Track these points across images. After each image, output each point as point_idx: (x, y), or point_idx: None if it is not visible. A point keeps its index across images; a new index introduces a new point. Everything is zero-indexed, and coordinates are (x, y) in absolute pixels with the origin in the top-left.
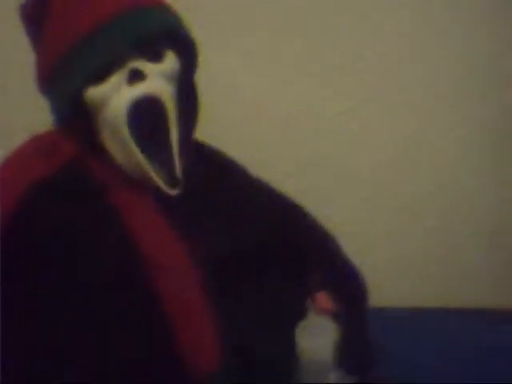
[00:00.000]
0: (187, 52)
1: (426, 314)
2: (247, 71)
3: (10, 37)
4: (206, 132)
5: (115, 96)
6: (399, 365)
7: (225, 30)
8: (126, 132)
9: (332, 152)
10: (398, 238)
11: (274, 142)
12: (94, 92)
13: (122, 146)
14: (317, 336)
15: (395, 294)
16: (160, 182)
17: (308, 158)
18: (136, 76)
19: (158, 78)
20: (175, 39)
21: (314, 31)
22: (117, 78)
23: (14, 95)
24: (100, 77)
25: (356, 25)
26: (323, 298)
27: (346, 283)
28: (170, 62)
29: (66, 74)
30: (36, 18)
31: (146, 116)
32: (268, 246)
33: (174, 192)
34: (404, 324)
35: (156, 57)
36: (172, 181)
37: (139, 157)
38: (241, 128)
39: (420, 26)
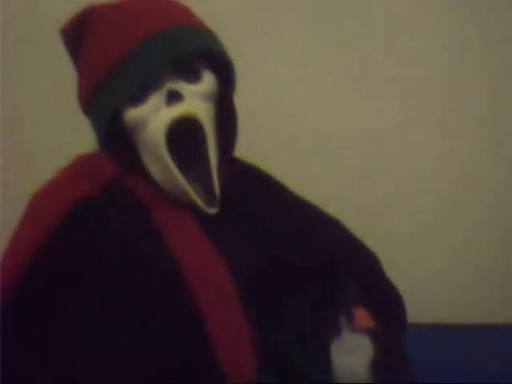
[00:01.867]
0: (225, 71)
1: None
2: (298, 84)
3: (56, 58)
4: (255, 144)
5: (154, 117)
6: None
7: (276, 43)
8: (164, 152)
9: (387, 164)
10: (457, 250)
11: (327, 154)
12: (133, 113)
13: (161, 165)
14: (352, 354)
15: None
16: (199, 201)
17: (361, 170)
18: (174, 97)
19: (195, 99)
20: (212, 59)
21: (366, 42)
22: (155, 100)
23: (60, 116)
24: (139, 98)
25: (408, 36)
26: (362, 316)
27: (385, 303)
28: (208, 82)
29: (105, 96)
30: (75, 42)
31: (184, 136)
32: (306, 262)
33: (212, 211)
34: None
35: (193, 77)
36: (210, 200)
37: (178, 176)
38: (292, 141)
39: (475, 39)
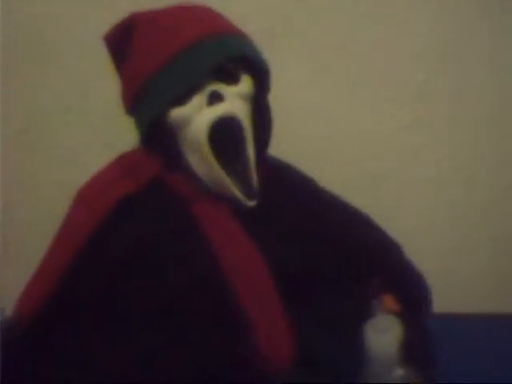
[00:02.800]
0: (261, 75)
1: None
2: (313, 88)
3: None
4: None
5: (196, 116)
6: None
7: (293, 50)
8: (207, 149)
9: (396, 165)
10: (461, 247)
11: (340, 156)
12: (176, 113)
13: (203, 161)
14: (383, 334)
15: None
16: (239, 194)
17: (373, 172)
18: (215, 98)
19: (235, 99)
20: (250, 64)
21: (377, 46)
22: (198, 100)
23: (100, 117)
24: (182, 99)
25: (417, 41)
26: (390, 300)
27: (410, 287)
28: (246, 84)
29: (150, 98)
30: (120, 47)
31: (225, 134)
32: (336, 253)
33: (251, 204)
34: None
35: (232, 79)
36: (249, 193)
37: (219, 170)
38: (307, 143)
39: (494, 38)
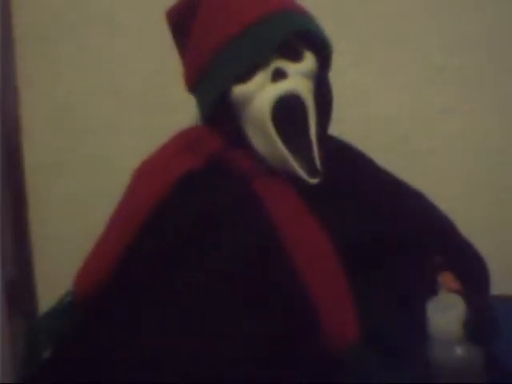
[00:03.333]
0: (323, 52)
1: None
2: (355, 70)
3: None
4: None
5: (260, 93)
6: None
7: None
8: (270, 126)
9: (434, 147)
10: (495, 230)
11: (381, 137)
12: (240, 90)
13: (266, 138)
14: (446, 311)
15: None
16: (301, 171)
17: (411, 153)
18: (279, 75)
19: (298, 77)
20: (313, 41)
21: (419, 32)
22: (261, 77)
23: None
24: (246, 76)
25: (462, 27)
26: (450, 278)
27: (470, 266)
28: (309, 61)
29: (213, 75)
30: (183, 24)
31: (288, 111)
32: (399, 229)
33: (314, 181)
34: None
35: (296, 57)
36: (312, 171)
37: (282, 149)
38: (345, 124)
39: None
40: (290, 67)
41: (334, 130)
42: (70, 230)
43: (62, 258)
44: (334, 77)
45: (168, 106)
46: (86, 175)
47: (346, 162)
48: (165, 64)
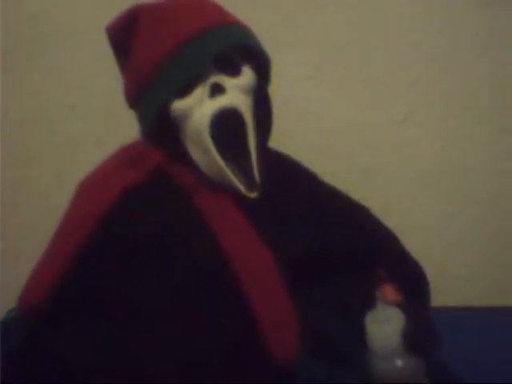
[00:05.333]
0: (262, 67)
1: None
2: (309, 82)
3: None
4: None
5: (198, 108)
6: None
7: (291, 45)
8: (208, 140)
9: (389, 160)
10: (457, 242)
11: (335, 149)
12: (178, 105)
13: (205, 153)
14: (384, 323)
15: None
16: (240, 186)
17: (368, 166)
18: (217, 90)
19: (236, 91)
20: (251, 55)
21: (374, 42)
22: (199, 92)
23: (102, 111)
24: (184, 91)
25: (410, 35)
26: (390, 290)
27: (411, 280)
28: (247, 76)
29: (153, 90)
30: (122, 40)
31: (226, 126)
32: (338, 243)
33: (252, 195)
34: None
35: (234, 72)
36: (251, 185)
37: (221, 163)
38: (301, 136)
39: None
40: (228, 82)
41: (285, 142)
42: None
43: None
44: (286, 89)
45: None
46: (47, 190)
47: (286, 176)
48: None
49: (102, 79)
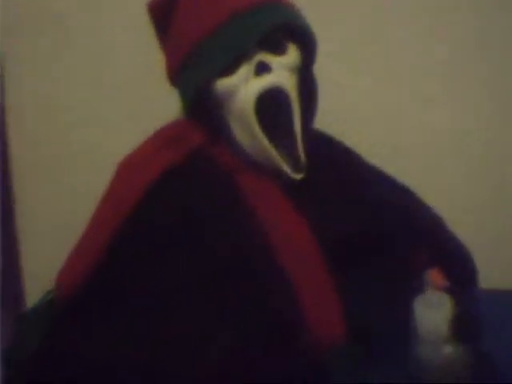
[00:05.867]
0: (308, 45)
1: None
2: (339, 60)
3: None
4: None
5: (243, 87)
6: None
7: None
8: (254, 120)
9: (414, 139)
10: (482, 224)
11: (364, 128)
12: (223, 83)
13: (250, 133)
14: (433, 309)
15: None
16: (285, 166)
17: (392, 144)
18: (263, 68)
19: (282, 70)
20: (297, 33)
21: (400, 21)
22: (245, 71)
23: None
24: (229, 69)
25: (439, 15)
26: (437, 275)
27: (455, 262)
28: (293, 54)
29: (196, 68)
30: (164, 16)
31: (272, 105)
32: (385, 224)
33: (298, 176)
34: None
35: (280, 50)
36: (297, 166)
37: (266, 143)
38: (324, 115)
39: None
40: (273, 60)
41: (320, 122)
42: (58, 224)
43: (49, 254)
44: (316, 67)
45: (155, 99)
46: (73, 169)
47: (331, 157)
48: (151, 56)
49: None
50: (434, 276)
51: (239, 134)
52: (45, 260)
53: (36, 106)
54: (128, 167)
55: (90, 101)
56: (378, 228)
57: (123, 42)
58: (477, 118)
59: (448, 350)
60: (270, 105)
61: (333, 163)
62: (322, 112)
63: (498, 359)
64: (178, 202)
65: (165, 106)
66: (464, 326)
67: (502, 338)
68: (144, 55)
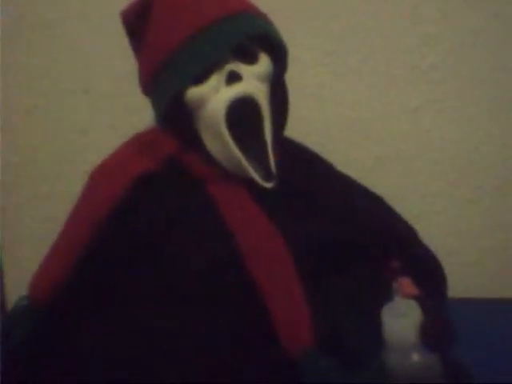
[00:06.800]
0: (279, 54)
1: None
2: (322, 70)
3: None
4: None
5: (214, 96)
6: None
7: (304, 31)
8: (224, 129)
9: (402, 148)
10: (468, 231)
11: (348, 137)
12: (194, 92)
13: (220, 142)
14: (400, 317)
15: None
16: (256, 175)
17: (379, 154)
18: (233, 77)
19: (253, 79)
20: (268, 42)
21: (387, 29)
22: (215, 80)
23: (117, 98)
24: (200, 78)
25: (425, 24)
26: (407, 283)
27: (425, 270)
28: (264, 64)
29: (168, 77)
30: (137, 25)
31: (242, 114)
32: (353, 235)
33: (268, 185)
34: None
35: (251, 59)
36: (267, 174)
37: (236, 152)
38: (313, 124)
39: (489, 26)
40: (244, 70)
41: (297, 129)
42: (40, 229)
43: (31, 258)
44: (299, 75)
45: (137, 106)
46: (55, 175)
47: (302, 166)
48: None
49: (115, 64)
50: (404, 284)
51: (210, 142)
52: (27, 267)
53: (20, 114)
54: (101, 173)
55: (73, 107)
56: (350, 237)
57: (109, 51)
58: (464, 128)
59: (416, 357)
60: (241, 114)
61: (305, 172)
62: (305, 122)
63: (473, 368)
64: (151, 209)
65: (147, 115)
66: (432, 334)
67: (488, 348)
68: (128, 63)
